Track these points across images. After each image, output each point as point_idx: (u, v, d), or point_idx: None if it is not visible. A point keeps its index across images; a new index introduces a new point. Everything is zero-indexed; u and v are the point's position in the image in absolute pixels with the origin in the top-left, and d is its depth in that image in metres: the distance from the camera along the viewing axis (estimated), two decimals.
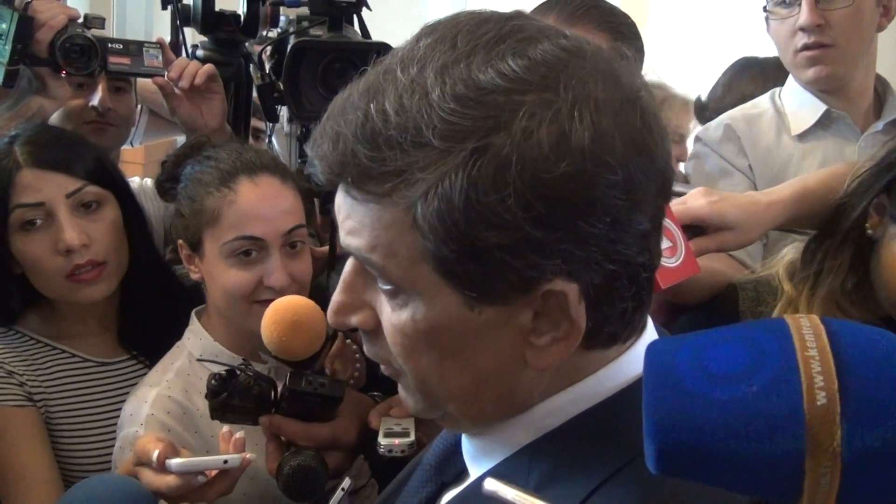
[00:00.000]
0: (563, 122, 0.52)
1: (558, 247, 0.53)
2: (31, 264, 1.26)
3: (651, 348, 0.51)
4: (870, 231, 1.10)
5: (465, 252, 0.53)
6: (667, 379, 0.48)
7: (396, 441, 0.97)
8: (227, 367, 1.03)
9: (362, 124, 0.54)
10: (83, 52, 1.39)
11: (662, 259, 0.96)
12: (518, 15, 0.58)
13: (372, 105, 0.54)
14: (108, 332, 1.36)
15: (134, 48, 1.46)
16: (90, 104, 1.68)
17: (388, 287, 0.58)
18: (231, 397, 1.01)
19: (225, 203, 1.15)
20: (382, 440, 0.97)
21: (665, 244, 0.96)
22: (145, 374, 1.25)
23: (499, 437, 0.63)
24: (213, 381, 1.01)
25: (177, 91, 1.45)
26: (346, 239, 0.59)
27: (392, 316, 0.59)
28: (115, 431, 1.21)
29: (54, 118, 1.74)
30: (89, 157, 1.30)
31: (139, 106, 2.10)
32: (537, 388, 0.60)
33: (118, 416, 1.20)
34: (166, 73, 1.46)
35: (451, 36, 0.55)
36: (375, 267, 0.58)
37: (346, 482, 0.96)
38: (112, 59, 1.43)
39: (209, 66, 1.48)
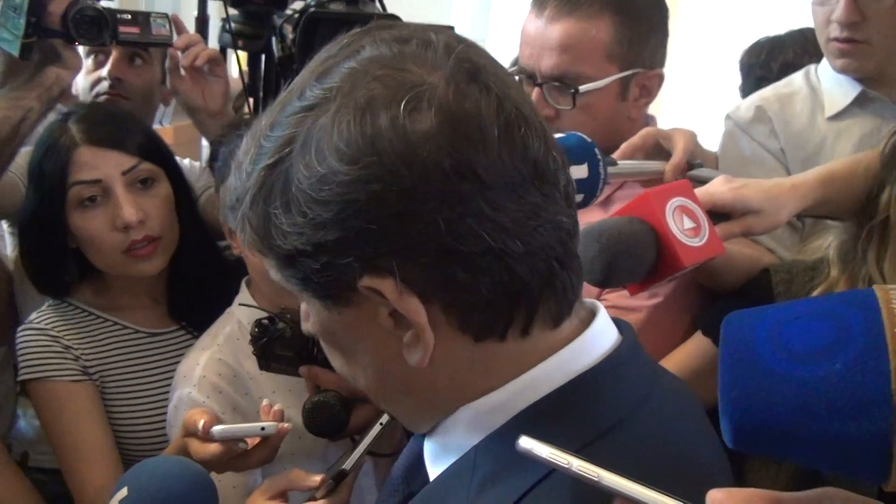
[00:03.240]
0: (327, 133, 0.56)
1: (344, 246, 0.56)
2: (88, 240, 1.30)
3: (728, 323, 0.50)
4: None
5: (280, 260, 0.59)
6: (744, 355, 0.47)
7: None
8: (267, 315, 1.07)
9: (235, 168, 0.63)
10: (94, 23, 1.41)
11: (686, 238, 0.97)
12: (341, 46, 0.61)
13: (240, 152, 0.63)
14: (158, 304, 1.40)
15: (141, 18, 1.50)
16: (101, 75, 1.70)
17: None
18: (271, 343, 1.05)
19: None
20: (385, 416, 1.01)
21: (688, 224, 0.96)
22: (193, 343, 1.29)
23: (450, 439, 0.64)
24: (255, 329, 1.06)
25: (181, 70, 1.49)
26: None
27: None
28: (166, 399, 1.25)
29: (80, 93, 1.75)
30: (140, 134, 1.36)
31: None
32: (443, 384, 0.62)
33: (169, 385, 1.25)
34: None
35: (292, 82, 0.62)
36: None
37: (385, 417, 1.00)
38: (122, 28, 1.46)
39: (213, 51, 1.52)
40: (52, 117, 1.44)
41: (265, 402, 1.04)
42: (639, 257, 0.91)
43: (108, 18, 1.43)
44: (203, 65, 1.48)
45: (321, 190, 0.55)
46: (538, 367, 0.61)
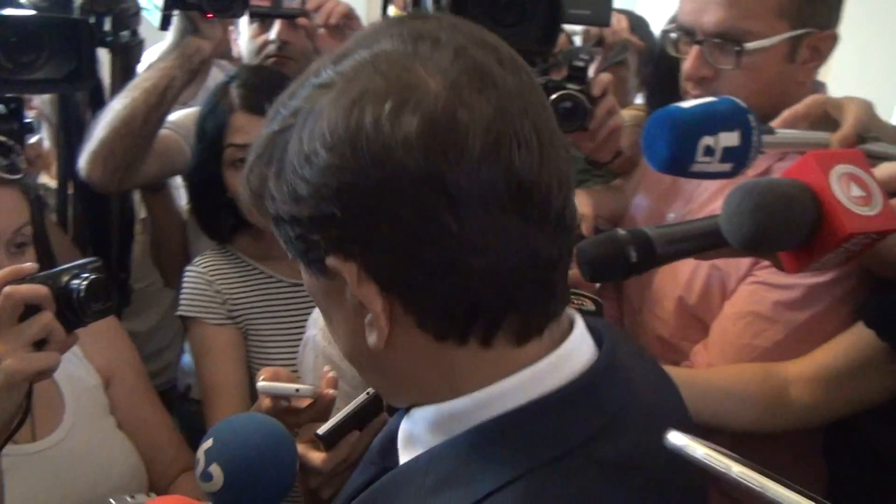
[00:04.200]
0: (322, 116, 0.58)
1: (314, 223, 0.59)
2: (239, 196, 1.41)
3: None
4: None
5: (272, 218, 0.63)
6: None
7: None
8: None
9: None
10: None
11: (855, 207, 0.85)
12: (365, 34, 0.62)
13: None
14: None
15: None
16: (269, 38, 1.78)
17: None
18: None
19: None
20: None
21: (857, 192, 0.83)
22: None
23: (417, 430, 0.66)
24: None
25: (320, 31, 1.56)
26: None
27: None
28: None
29: (246, 56, 1.85)
30: None
31: None
32: (406, 372, 0.63)
33: (303, 332, 1.32)
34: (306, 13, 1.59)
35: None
36: None
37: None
38: (253, 1, 1.55)
39: (345, 6, 1.58)
40: (221, 78, 1.56)
41: (325, 367, 1.10)
42: (793, 219, 0.79)
43: None
44: (338, 21, 1.53)
45: (304, 167, 0.58)
46: (503, 382, 0.61)
